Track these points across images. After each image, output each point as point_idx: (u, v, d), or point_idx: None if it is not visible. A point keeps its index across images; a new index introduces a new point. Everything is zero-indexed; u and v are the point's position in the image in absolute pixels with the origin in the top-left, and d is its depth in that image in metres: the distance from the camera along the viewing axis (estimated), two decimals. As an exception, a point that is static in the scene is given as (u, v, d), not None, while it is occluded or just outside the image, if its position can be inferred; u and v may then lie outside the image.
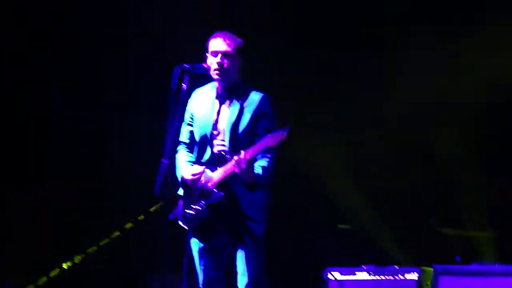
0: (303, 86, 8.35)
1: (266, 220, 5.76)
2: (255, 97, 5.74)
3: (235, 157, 5.45)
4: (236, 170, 5.47)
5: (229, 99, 5.78)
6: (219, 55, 5.71)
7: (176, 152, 5.89)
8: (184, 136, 5.95)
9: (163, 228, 5.87)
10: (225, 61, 5.70)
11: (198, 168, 5.72)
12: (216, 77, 5.73)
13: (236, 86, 5.79)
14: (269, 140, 5.42)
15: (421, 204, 8.38)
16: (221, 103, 5.80)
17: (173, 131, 5.58)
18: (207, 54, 5.76)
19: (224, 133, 5.72)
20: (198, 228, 5.72)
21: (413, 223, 8.34)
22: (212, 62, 5.72)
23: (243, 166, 5.43)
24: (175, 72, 5.59)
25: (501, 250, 8.05)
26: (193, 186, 5.71)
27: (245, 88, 5.79)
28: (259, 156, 5.60)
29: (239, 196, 5.66)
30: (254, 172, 5.53)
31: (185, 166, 5.81)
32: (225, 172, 5.58)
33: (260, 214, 5.72)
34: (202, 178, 5.69)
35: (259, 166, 5.60)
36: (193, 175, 5.70)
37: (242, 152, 5.44)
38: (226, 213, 5.66)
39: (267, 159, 5.63)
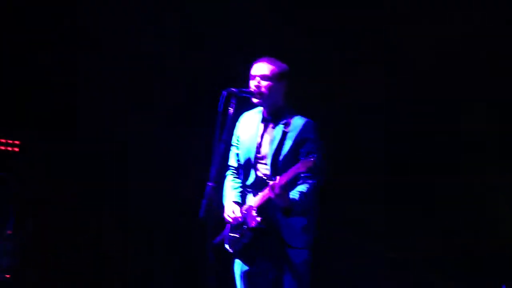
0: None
1: (309, 247, 5.74)
2: (298, 122, 5.76)
3: (270, 182, 5.47)
4: (271, 195, 5.48)
5: (273, 123, 5.82)
6: (257, 78, 5.78)
7: (222, 175, 5.94)
8: (232, 160, 6.03)
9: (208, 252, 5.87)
10: (263, 84, 5.76)
11: (236, 210, 5.77)
12: (254, 100, 5.78)
13: (281, 110, 5.83)
14: (300, 166, 5.41)
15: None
16: (265, 127, 5.85)
17: (219, 154, 5.59)
18: (249, 78, 5.84)
19: (267, 157, 5.75)
20: (241, 251, 5.74)
21: None
22: (251, 86, 5.77)
23: (277, 191, 5.44)
24: (222, 95, 5.63)
25: None
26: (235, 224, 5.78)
27: (290, 112, 5.82)
28: (301, 181, 5.62)
29: (279, 221, 5.66)
30: (289, 198, 5.52)
31: (229, 199, 5.87)
32: (262, 197, 5.61)
33: (301, 241, 5.71)
34: (243, 208, 5.74)
35: (297, 191, 5.60)
36: (231, 217, 5.77)
37: (277, 177, 5.46)
38: (267, 238, 5.67)
39: (307, 185, 5.63)
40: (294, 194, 5.57)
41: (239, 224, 5.74)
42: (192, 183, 6.47)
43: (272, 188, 5.44)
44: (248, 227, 5.69)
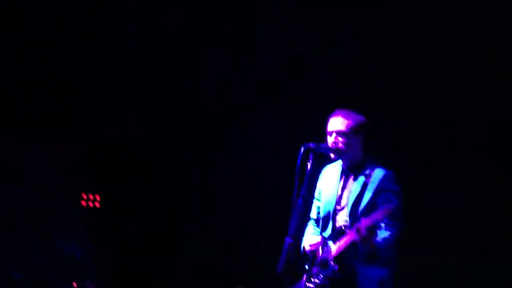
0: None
1: None
2: (378, 174, 5.75)
3: (356, 225, 5.44)
4: (357, 238, 5.44)
5: (353, 175, 5.84)
6: (334, 134, 5.80)
7: (301, 231, 5.95)
8: (313, 212, 6.06)
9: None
10: (340, 140, 5.77)
11: (317, 238, 5.77)
12: (333, 156, 5.80)
13: (361, 162, 5.83)
14: (380, 213, 5.40)
15: None
16: (345, 180, 5.87)
17: (297, 209, 5.60)
18: (326, 133, 5.86)
19: (346, 208, 5.75)
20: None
21: None
22: (329, 142, 5.79)
23: (363, 232, 5.40)
24: (300, 151, 5.66)
25: None
26: (314, 259, 5.73)
27: (370, 164, 5.82)
28: (383, 227, 5.57)
29: (356, 271, 5.63)
30: (374, 241, 5.49)
31: (308, 237, 5.89)
32: (345, 242, 5.59)
33: None
34: (321, 250, 5.70)
35: (381, 237, 5.55)
36: (311, 245, 5.75)
37: (362, 219, 5.44)
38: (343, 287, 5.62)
39: (389, 232, 5.59)
40: (378, 240, 5.52)
41: (317, 271, 5.70)
42: (271, 239, 6.46)
43: (358, 230, 5.41)
44: (325, 275, 5.66)
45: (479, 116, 7.77)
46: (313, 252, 5.77)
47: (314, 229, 5.99)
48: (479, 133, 7.78)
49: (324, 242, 5.76)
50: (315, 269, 5.74)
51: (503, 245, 7.76)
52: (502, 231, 7.79)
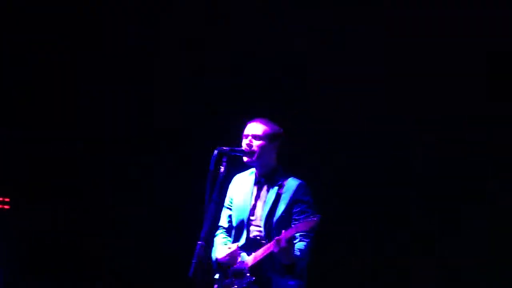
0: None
1: None
2: (292, 184, 5.78)
3: (276, 237, 5.45)
4: (275, 249, 5.44)
5: (266, 185, 5.85)
6: (249, 137, 5.81)
7: (213, 235, 5.93)
8: (223, 220, 6.03)
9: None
10: (255, 143, 5.78)
11: (232, 247, 5.75)
12: (245, 159, 5.79)
13: (274, 172, 5.85)
14: (302, 226, 5.43)
15: None
16: (259, 189, 5.87)
17: (210, 214, 5.58)
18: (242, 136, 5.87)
19: (260, 219, 5.75)
20: (231, 312, 5.69)
21: None
22: (243, 144, 5.80)
23: (284, 244, 5.41)
24: (213, 155, 5.64)
25: None
26: (228, 269, 5.72)
27: (283, 174, 5.84)
28: (298, 239, 5.60)
29: (272, 282, 5.63)
30: (293, 253, 5.50)
31: (220, 247, 5.85)
32: (262, 253, 5.59)
33: None
34: (238, 260, 5.70)
35: (297, 248, 5.58)
36: (228, 254, 5.73)
37: (283, 231, 5.44)
38: None
39: (304, 243, 5.62)
40: (296, 251, 5.55)
41: (231, 281, 5.70)
42: (181, 242, 6.41)
43: (278, 242, 5.41)
44: (240, 287, 5.66)
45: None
46: (229, 261, 5.75)
47: (225, 238, 5.96)
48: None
49: (239, 252, 5.74)
50: (228, 280, 5.73)
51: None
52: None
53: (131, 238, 8.65)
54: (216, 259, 5.81)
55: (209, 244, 5.84)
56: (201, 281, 5.61)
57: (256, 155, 5.78)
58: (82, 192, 8.77)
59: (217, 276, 5.84)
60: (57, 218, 8.68)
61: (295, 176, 5.86)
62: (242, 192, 5.91)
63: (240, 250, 5.75)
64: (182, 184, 8.29)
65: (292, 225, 5.55)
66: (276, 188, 5.78)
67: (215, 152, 5.66)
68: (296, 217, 5.66)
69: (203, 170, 5.66)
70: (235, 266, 5.70)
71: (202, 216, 5.58)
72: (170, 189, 8.47)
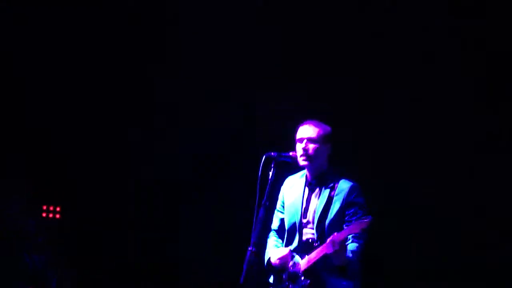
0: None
1: None
2: (344, 186, 5.76)
3: (330, 238, 5.45)
4: (330, 251, 5.45)
5: (318, 187, 5.83)
6: (304, 141, 5.78)
7: (263, 240, 5.94)
8: (275, 223, 6.04)
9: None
10: (310, 146, 5.76)
11: (284, 251, 5.75)
12: (302, 163, 5.79)
13: (325, 174, 5.83)
14: (355, 227, 5.43)
15: None
16: (310, 191, 5.86)
17: (259, 219, 5.60)
18: (295, 142, 5.85)
19: (312, 222, 5.75)
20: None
21: None
22: (298, 149, 5.79)
23: (337, 246, 5.41)
24: (262, 160, 5.65)
25: None
26: (282, 272, 5.73)
27: (335, 176, 5.83)
28: (350, 241, 5.60)
29: (326, 284, 5.63)
30: (346, 254, 5.50)
31: (273, 250, 5.86)
32: (316, 256, 5.58)
33: None
34: (291, 263, 5.70)
35: (350, 250, 5.58)
36: (280, 258, 5.73)
37: (335, 233, 5.45)
38: None
39: (357, 245, 5.62)
40: (348, 252, 5.55)
41: (286, 285, 5.70)
42: (232, 248, 6.44)
43: (333, 243, 5.42)
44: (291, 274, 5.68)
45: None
46: (282, 265, 5.75)
47: (277, 241, 5.96)
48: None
49: (291, 255, 5.75)
50: (284, 284, 5.73)
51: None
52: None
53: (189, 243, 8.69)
54: (269, 261, 5.81)
55: (260, 250, 5.83)
56: (252, 287, 5.63)
57: (312, 159, 5.77)
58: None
59: (271, 279, 5.85)
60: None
61: (347, 177, 5.84)
62: (293, 195, 5.90)
63: (293, 253, 5.75)
64: (231, 189, 8.32)
65: (345, 227, 5.54)
66: (328, 190, 5.77)
67: (263, 157, 5.68)
68: (349, 219, 5.65)
69: (252, 176, 5.67)
70: (289, 270, 5.70)
71: (252, 222, 5.60)
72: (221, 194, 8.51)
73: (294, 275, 5.68)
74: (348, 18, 8.01)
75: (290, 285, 5.70)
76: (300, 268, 5.67)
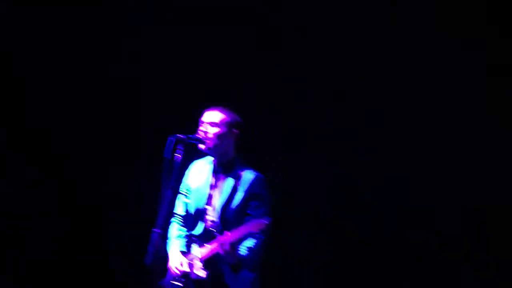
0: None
1: None
2: (249, 177, 5.77)
3: (220, 239, 5.48)
4: (220, 251, 5.48)
5: (224, 175, 5.82)
6: (206, 124, 5.79)
7: (169, 222, 5.93)
8: (179, 208, 6.00)
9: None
10: (210, 131, 5.76)
11: (184, 262, 5.74)
12: (201, 147, 5.78)
13: (231, 162, 5.83)
14: (252, 227, 5.44)
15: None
16: (216, 179, 5.85)
17: (165, 201, 5.58)
18: (199, 124, 5.85)
19: (215, 209, 5.75)
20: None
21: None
22: (199, 132, 5.79)
23: (227, 248, 5.45)
24: (169, 142, 5.63)
25: None
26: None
27: (241, 165, 5.83)
28: (248, 236, 5.60)
29: (225, 276, 5.66)
30: (238, 254, 5.53)
31: (175, 248, 5.85)
32: (210, 251, 5.60)
33: None
34: (189, 257, 5.73)
35: (245, 247, 5.60)
36: (178, 269, 5.74)
37: (228, 233, 5.47)
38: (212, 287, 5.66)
39: (254, 240, 5.63)
40: (242, 250, 5.57)
41: (184, 274, 5.72)
42: (139, 229, 6.39)
43: (222, 244, 5.44)
44: (192, 278, 5.68)
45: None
46: (182, 271, 5.75)
47: (180, 229, 5.94)
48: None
49: (185, 254, 5.78)
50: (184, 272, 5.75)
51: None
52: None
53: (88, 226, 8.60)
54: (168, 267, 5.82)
55: (166, 231, 5.85)
56: (157, 268, 5.63)
57: (211, 143, 5.78)
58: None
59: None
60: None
61: (254, 168, 5.85)
62: (199, 180, 5.89)
63: (195, 239, 5.77)
64: (138, 171, 8.25)
65: (241, 226, 5.52)
66: (233, 179, 5.77)
67: (171, 139, 5.65)
68: (250, 212, 5.68)
69: (159, 158, 5.65)
70: (187, 257, 5.75)
71: (158, 204, 5.59)
72: (125, 177, 8.43)
73: (192, 265, 5.70)
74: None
75: (188, 276, 5.71)
76: (198, 258, 5.68)
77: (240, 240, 5.52)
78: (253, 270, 5.71)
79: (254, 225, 5.41)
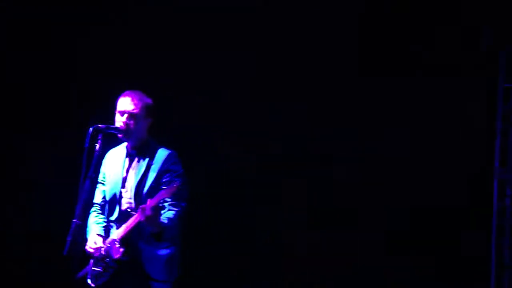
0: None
1: (173, 280, 5.82)
2: (161, 154, 5.82)
3: (141, 207, 5.49)
4: (142, 218, 5.49)
5: (137, 157, 5.86)
6: (125, 115, 5.79)
7: (88, 212, 5.93)
8: (97, 197, 6.03)
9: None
10: (132, 121, 5.78)
11: (98, 242, 5.76)
12: (120, 136, 5.81)
13: (145, 144, 5.87)
14: (165, 193, 5.51)
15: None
16: (130, 162, 5.89)
17: (85, 191, 5.57)
18: (115, 112, 5.84)
19: (131, 190, 5.79)
20: (104, 286, 5.74)
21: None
22: (118, 121, 5.79)
23: (148, 212, 5.46)
24: (88, 132, 5.61)
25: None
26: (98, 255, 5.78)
27: (154, 145, 5.87)
28: (167, 207, 5.66)
29: (142, 253, 5.69)
30: (160, 221, 5.56)
31: (92, 232, 5.87)
32: (131, 224, 5.63)
33: (165, 274, 5.76)
34: (107, 241, 5.75)
35: (165, 217, 5.64)
36: (93, 248, 5.76)
37: (148, 200, 5.50)
38: (131, 270, 5.69)
39: (173, 211, 5.68)
40: (163, 219, 5.60)
41: (102, 257, 5.73)
42: (58, 220, 6.35)
43: (143, 210, 5.46)
44: (111, 259, 5.69)
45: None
46: (98, 248, 5.78)
47: (97, 216, 5.96)
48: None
49: (103, 238, 5.80)
50: (98, 254, 5.76)
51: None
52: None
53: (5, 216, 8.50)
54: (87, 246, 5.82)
55: (85, 222, 5.86)
56: (76, 258, 5.62)
57: (133, 132, 5.79)
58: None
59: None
60: None
61: (166, 147, 5.89)
62: (114, 166, 5.92)
63: (114, 222, 5.79)
64: (57, 161, 8.18)
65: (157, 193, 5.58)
66: (146, 159, 5.81)
67: (90, 129, 5.63)
68: (165, 187, 5.70)
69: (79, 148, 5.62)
70: (104, 253, 5.75)
71: (77, 194, 5.57)
72: (45, 166, 8.34)
73: (109, 247, 5.71)
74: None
75: (107, 257, 5.72)
76: (116, 237, 5.70)
77: (160, 207, 5.56)
78: (172, 245, 5.75)
79: (166, 191, 5.50)
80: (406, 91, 7.97)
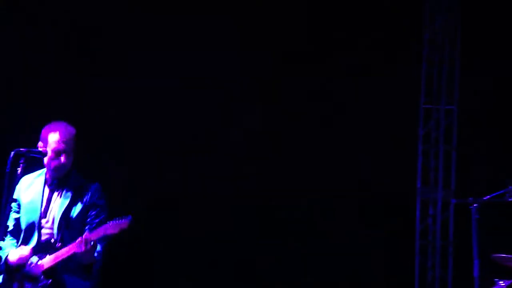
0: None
1: None
2: (87, 188, 5.79)
3: (81, 238, 5.46)
4: (80, 250, 5.46)
5: (60, 188, 5.81)
6: (61, 153, 5.73)
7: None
8: (9, 223, 5.86)
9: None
10: (64, 157, 5.73)
11: (25, 250, 5.68)
12: (54, 171, 5.75)
13: (68, 174, 5.82)
14: (112, 227, 5.49)
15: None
16: (51, 192, 5.82)
17: (6, 216, 5.49)
18: (42, 141, 5.75)
19: (54, 221, 5.73)
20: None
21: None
22: (52, 156, 5.72)
23: (89, 246, 5.45)
24: (10, 156, 5.53)
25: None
26: (17, 271, 5.66)
27: (77, 177, 5.84)
28: (107, 237, 5.64)
29: (66, 284, 5.65)
30: (95, 254, 5.56)
31: (11, 248, 5.75)
32: (64, 254, 5.57)
33: None
34: (29, 262, 5.65)
35: (95, 250, 5.62)
36: (19, 258, 5.65)
37: (87, 233, 5.49)
38: None
39: (101, 245, 5.66)
40: (95, 253, 5.62)
41: (21, 284, 5.64)
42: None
43: (85, 242, 5.44)
44: (31, 276, 5.63)
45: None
46: (20, 264, 5.66)
47: (12, 240, 5.84)
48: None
49: (31, 255, 5.68)
50: (16, 284, 5.66)
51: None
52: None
53: None
54: (6, 260, 5.71)
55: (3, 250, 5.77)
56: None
57: (65, 167, 5.75)
58: None
59: (0, 279, 5.75)
60: None
61: (88, 178, 5.87)
62: (31, 194, 5.84)
63: (33, 253, 5.70)
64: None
65: (87, 229, 5.59)
66: (70, 191, 5.77)
67: (12, 153, 5.55)
68: (90, 221, 5.70)
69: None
70: (26, 269, 5.64)
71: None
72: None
73: (33, 275, 5.63)
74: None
75: (27, 285, 5.63)
76: (41, 267, 5.63)
77: (99, 241, 5.54)
78: (95, 277, 5.75)
79: (114, 225, 5.46)
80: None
